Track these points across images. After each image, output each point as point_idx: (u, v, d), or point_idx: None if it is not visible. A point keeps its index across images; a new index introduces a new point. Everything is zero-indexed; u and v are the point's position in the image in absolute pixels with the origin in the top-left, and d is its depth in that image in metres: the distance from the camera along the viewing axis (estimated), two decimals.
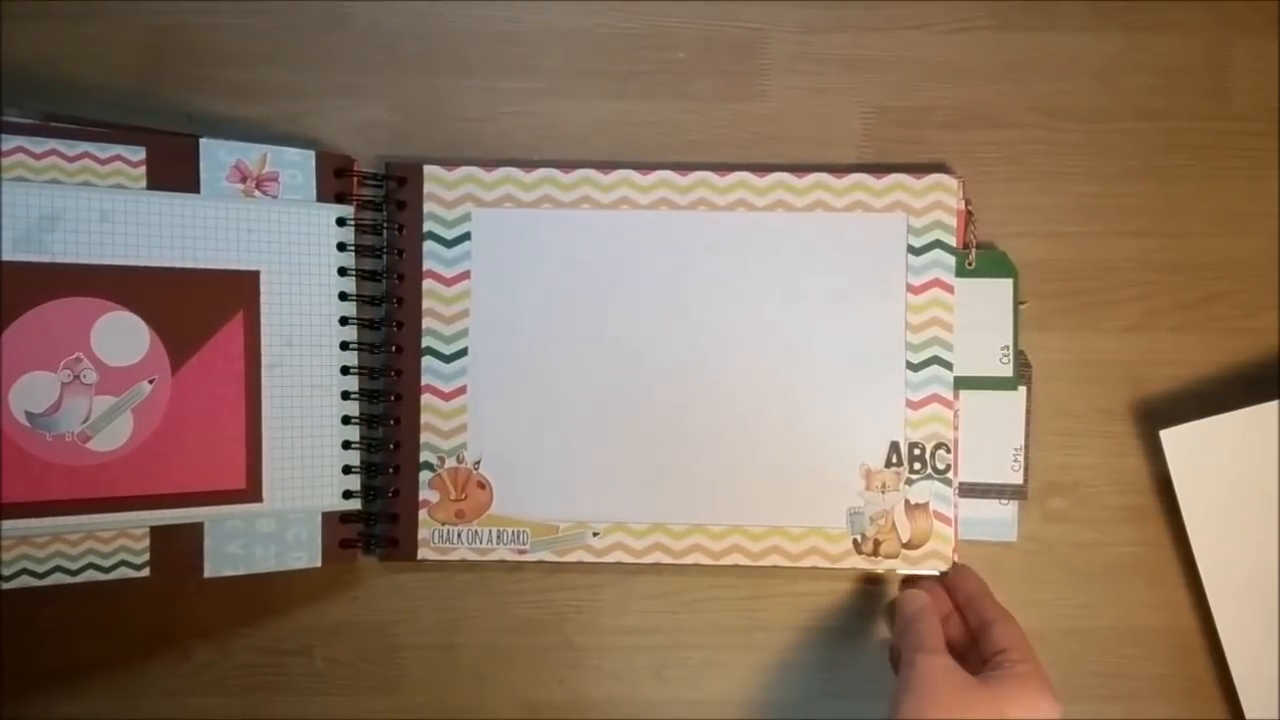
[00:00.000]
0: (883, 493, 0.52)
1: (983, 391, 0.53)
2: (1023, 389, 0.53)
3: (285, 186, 0.51)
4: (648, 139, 0.55)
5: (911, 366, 0.52)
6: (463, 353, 0.53)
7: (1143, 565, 0.54)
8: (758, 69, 0.55)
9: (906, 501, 0.52)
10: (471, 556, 0.52)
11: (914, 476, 0.52)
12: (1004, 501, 0.53)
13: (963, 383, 0.52)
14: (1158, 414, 0.53)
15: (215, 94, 0.55)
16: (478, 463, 0.53)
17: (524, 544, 0.52)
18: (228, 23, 0.55)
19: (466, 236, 0.53)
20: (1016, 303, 0.53)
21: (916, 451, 0.52)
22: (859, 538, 0.52)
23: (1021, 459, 0.53)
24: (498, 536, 0.52)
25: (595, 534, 0.52)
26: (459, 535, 0.52)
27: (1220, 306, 0.54)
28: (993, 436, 0.53)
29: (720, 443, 0.53)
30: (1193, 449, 0.51)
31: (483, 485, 0.53)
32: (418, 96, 0.55)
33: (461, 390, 0.53)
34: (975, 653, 0.48)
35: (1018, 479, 0.53)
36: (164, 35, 0.55)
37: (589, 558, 0.52)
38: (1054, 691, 0.45)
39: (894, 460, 0.52)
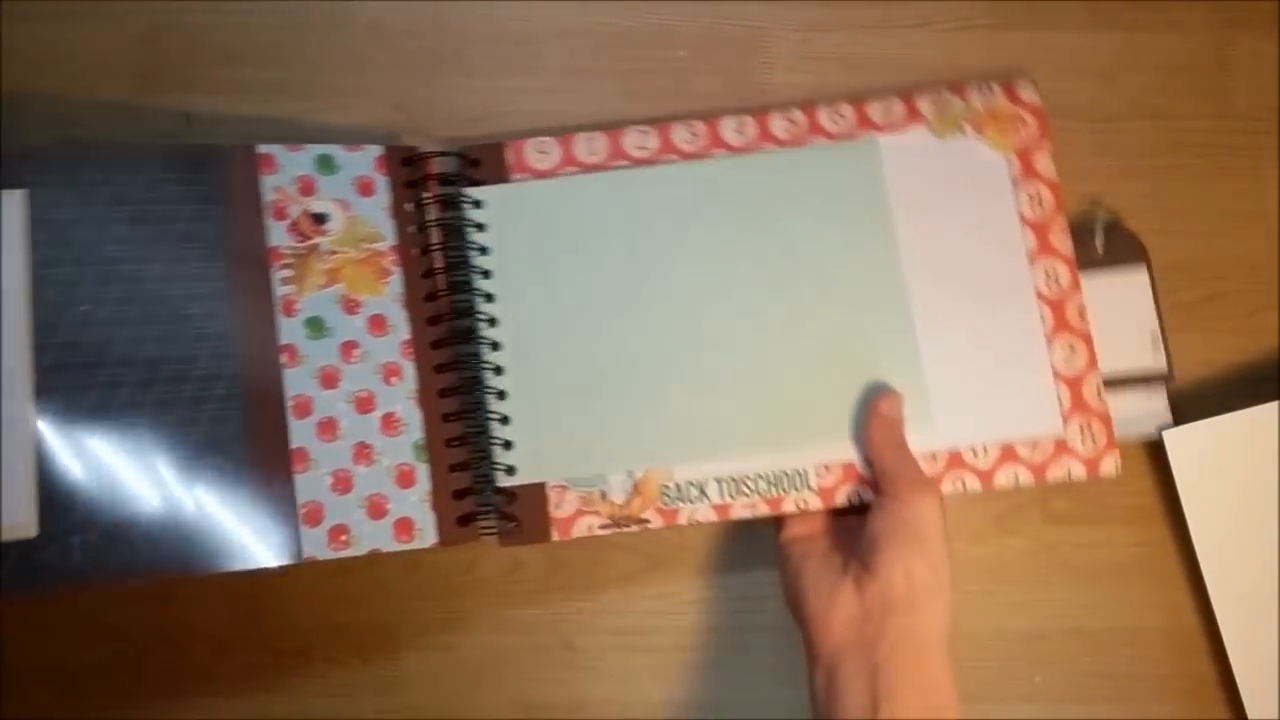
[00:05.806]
0: None
1: (1101, 280, 0.51)
2: (1143, 267, 0.52)
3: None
4: None
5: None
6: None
7: (1145, 566, 0.53)
8: (758, 67, 0.55)
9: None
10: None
11: None
12: (1150, 392, 0.51)
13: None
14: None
15: (215, 93, 0.55)
16: None
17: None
18: (228, 22, 0.55)
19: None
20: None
21: None
22: None
23: (1160, 340, 0.51)
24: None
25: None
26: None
27: (1220, 306, 0.54)
28: (1123, 323, 0.51)
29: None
30: (1194, 449, 0.51)
31: None
32: (418, 96, 0.55)
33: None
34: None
35: (1161, 363, 0.51)
36: (163, 34, 0.55)
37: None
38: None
39: None
